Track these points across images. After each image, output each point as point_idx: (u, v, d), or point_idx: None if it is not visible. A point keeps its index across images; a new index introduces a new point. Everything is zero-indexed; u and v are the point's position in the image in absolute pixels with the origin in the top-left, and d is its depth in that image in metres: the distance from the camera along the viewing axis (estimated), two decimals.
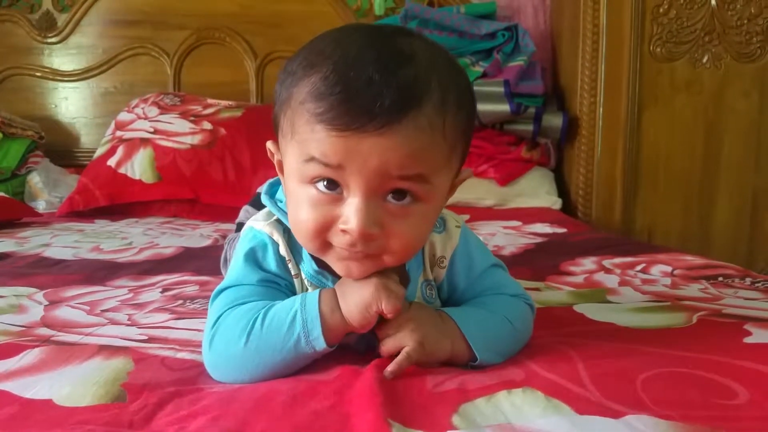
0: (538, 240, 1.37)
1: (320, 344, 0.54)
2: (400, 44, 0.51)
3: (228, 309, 0.57)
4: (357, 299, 0.54)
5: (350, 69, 0.49)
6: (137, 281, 0.98)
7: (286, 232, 0.60)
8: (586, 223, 1.83)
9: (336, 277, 0.58)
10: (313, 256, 0.59)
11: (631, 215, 1.92)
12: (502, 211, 1.84)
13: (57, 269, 1.07)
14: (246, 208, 1.01)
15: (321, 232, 0.53)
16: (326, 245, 0.54)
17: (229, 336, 0.55)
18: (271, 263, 0.60)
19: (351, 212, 0.50)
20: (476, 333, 0.57)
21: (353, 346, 0.62)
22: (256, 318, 0.55)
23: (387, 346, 0.56)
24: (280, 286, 0.60)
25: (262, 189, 0.66)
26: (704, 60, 1.87)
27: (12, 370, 0.56)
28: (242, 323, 0.55)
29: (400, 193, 0.52)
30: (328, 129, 0.49)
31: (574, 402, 0.46)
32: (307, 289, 0.61)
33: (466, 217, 1.63)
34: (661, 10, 1.86)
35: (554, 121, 1.97)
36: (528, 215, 1.71)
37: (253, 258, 0.60)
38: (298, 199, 0.54)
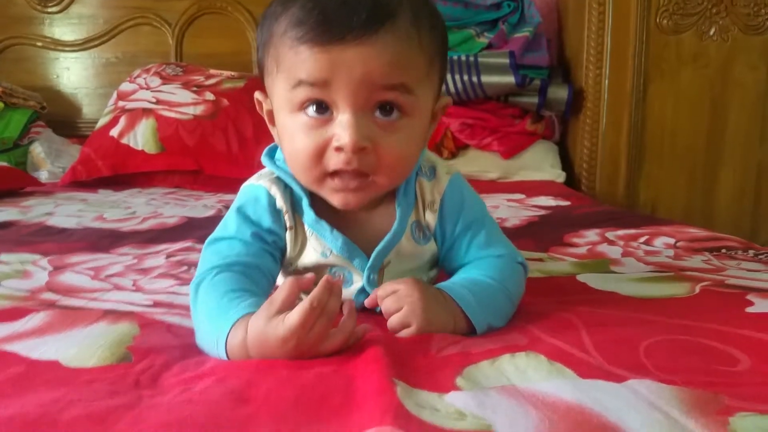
0: (542, 213, 1.36)
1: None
2: None
3: (213, 269, 0.57)
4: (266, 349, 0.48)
5: None
6: (142, 249, 0.99)
7: (287, 189, 0.62)
8: (590, 197, 1.83)
9: (332, 226, 0.60)
10: (311, 206, 0.61)
11: (635, 189, 1.92)
12: (506, 184, 1.84)
13: (61, 237, 1.07)
14: None
15: (317, 158, 0.55)
16: (323, 176, 0.56)
17: (197, 300, 0.56)
18: (264, 217, 0.61)
19: (342, 128, 0.53)
20: (477, 309, 0.57)
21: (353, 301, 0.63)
22: (209, 304, 0.54)
23: (393, 323, 0.56)
24: (268, 243, 0.61)
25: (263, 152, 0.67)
26: (711, 32, 1.85)
27: (18, 333, 0.57)
28: (205, 299, 0.55)
29: (387, 109, 0.55)
30: (311, 47, 0.52)
31: (577, 366, 0.46)
32: (304, 241, 0.62)
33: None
34: None
35: (559, 93, 1.96)
36: (532, 188, 1.71)
37: (246, 212, 0.62)
38: (292, 130, 0.56)
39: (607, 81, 1.88)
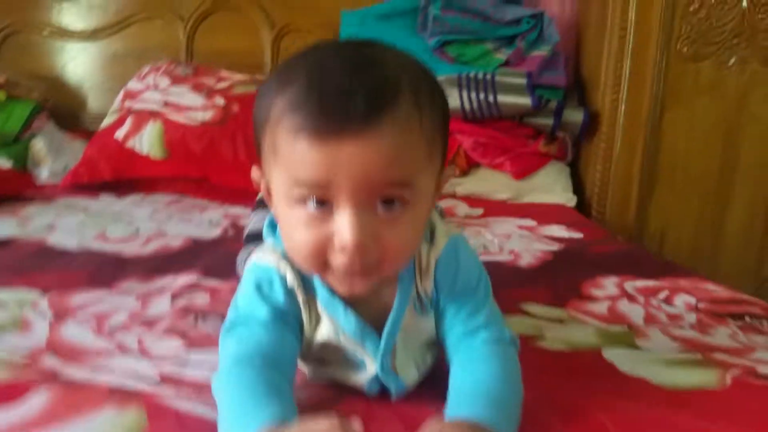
0: (555, 247, 1.33)
1: None
2: (368, 52, 0.54)
3: (236, 364, 0.54)
4: None
5: (322, 77, 0.50)
6: (145, 283, 0.95)
7: (295, 265, 0.59)
8: (601, 224, 1.80)
9: (347, 305, 0.58)
10: (323, 282, 0.58)
11: (645, 216, 1.89)
12: (516, 206, 1.80)
13: (61, 263, 1.03)
14: (252, 218, 0.98)
15: (319, 253, 0.53)
16: (325, 266, 0.53)
17: (221, 398, 0.53)
18: (279, 296, 0.59)
19: (343, 227, 0.50)
20: (505, 426, 0.53)
21: (366, 389, 0.61)
22: (231, 405, 0.52)
23: None
24: (287, 323, 0.59)
25: (264, 223, 0.64)
26: (730, 63, 1.81)
27: (19, 423, 0.53)
28: (227, 398, 0.53)
29: (388, 201, 0.52)
30: (309, 141, 0.49)
31: None
32: (318, 318, 0.60)
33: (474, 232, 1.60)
34: (691, 8, 1.77)
35: (574, 116, 1.92)
36: (542, 213, 1.67)
37: (260, 292, 0.59)
38: (291, 223, 0.54)
39: (623, 106, 1.84)
